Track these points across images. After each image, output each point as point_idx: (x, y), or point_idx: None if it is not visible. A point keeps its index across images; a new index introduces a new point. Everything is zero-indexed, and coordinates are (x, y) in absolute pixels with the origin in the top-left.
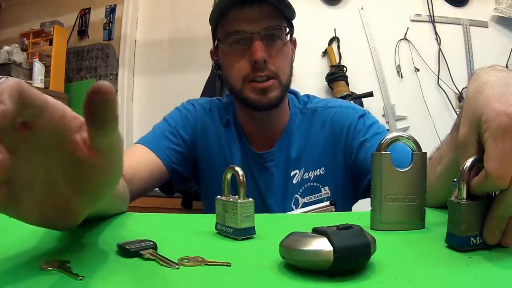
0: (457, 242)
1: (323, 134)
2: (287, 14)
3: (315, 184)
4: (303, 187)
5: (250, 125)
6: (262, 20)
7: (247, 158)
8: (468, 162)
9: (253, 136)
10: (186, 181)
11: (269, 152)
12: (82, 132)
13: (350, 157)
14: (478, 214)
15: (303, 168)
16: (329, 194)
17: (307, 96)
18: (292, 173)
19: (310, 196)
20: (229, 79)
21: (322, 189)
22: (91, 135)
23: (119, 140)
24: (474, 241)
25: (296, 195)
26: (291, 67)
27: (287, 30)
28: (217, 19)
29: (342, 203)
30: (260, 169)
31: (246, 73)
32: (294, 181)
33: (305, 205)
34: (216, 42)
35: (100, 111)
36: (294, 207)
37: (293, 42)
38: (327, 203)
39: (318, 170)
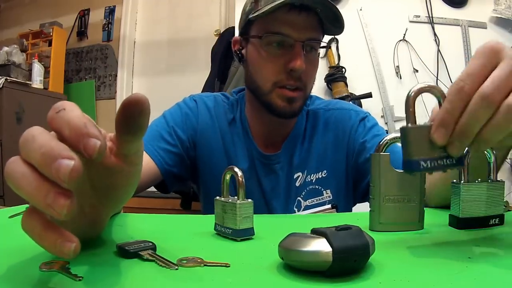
0: (408, 166)
1: (326, 137)
2: (328, 27)
3: (317, 187)
4: (305, 190)
5: (260, 126)
6: (307, 29)
7: (253, 159)
8: (415, 88)
9: (260, 137)
10: (182, 182)
11: (276, 154)
12: (107, 142)
13: (351, 159)
14: (426, 137)
15: (305, 171)
16: (331, 197)
17: (310, 97)
18: (296, 176)
19: (312, 199)
20: (257, 78)
21: (324, 192)
22: (121, 142)
23: (142, 144)
24: (424, 165)
25: (299, 198)
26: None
27: (323, 44)
28: (260, 15)
29: (344, 206)
30: (266, 170)
31: (279, 78)
32: (297, 184)
33: (307, 207)
34: (249, 36)
35: (137, 120)
36: (296, 209)
37: None
38: (329, 206)
39: (320, 173)
